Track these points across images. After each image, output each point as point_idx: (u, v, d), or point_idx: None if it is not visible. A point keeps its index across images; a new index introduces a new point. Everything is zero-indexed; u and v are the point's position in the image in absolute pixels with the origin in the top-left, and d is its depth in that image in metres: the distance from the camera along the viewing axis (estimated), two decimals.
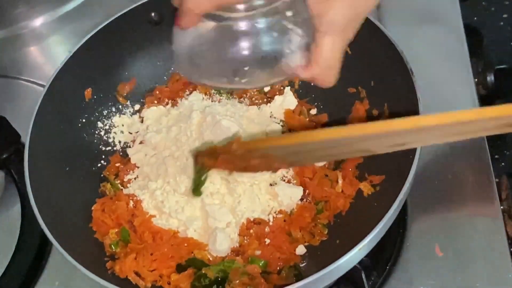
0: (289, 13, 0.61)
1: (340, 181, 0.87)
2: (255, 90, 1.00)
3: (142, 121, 0.99)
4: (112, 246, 0.83)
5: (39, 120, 0.85)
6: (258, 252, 0.82)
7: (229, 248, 0.83)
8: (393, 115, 0.85)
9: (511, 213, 0.95)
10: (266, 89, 1.00)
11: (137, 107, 1.01)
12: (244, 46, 0.60)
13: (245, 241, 0.84)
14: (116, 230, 0.85)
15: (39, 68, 1.22)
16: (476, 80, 1.05)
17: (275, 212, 0.86)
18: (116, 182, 0.92)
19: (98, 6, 1.26)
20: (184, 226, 0.85)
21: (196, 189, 0.84)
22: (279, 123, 0.95)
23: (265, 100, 1.00)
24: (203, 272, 0.78)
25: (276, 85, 0.98)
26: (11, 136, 1.02)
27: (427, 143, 0.64)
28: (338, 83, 0.94)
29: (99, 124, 0.97)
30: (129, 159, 0.94)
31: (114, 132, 0.98)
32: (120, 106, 1.00)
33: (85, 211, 0.87)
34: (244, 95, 1.00)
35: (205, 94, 1.00)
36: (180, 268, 0.81)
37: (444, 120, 0.56)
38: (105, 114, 0.98)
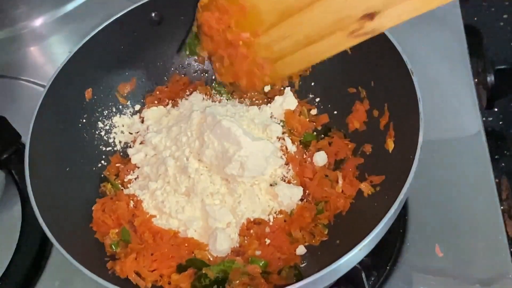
0: None
1: (340, 182, 0.87)
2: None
3: (142, 121, 0.99)
4: (113, 246, 0.83)
5: (40, 120, 0.85)
6: (258, 252, 0.82)
7: (229, 248, 0.83)
8: (394, 115, 0.86)
9: (511, 213, 0.95)
10: (266, 89, 1.00)
11: (137, 107, 1.01)
12: None
13: (245, 241, 0.84)
14: (117, 230, 0.85)
15: (39, 68, 1.22)
16: (476, 80, 1.05)
17: (275, 212, 0.86)
18: (116, 182, 0.92)
19: (98, 7, 1.26)
20: (184, 226, 0.85)
21: (183, 46, 0.83)
22: (279, 123, 0.95)
23: (265, 100, 1.00)
24: (204, 272, 0.78)
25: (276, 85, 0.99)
26: (11, 136, 1.02)
27: (398, 16, 0.64)
28: (339, 83, 0.95)
29: (100, 124, 0.97)
30: (130, 159, 0.94)
31: (115, 132, 0.98)
32: (120, 106, 1.00)
33: (85, 211, 0.87)
34: (245, 95, 1.00)
35: (205, 94, 1.00)
36: (180, 268, 0.81)
37: None
38: (105, 114, 0.98)
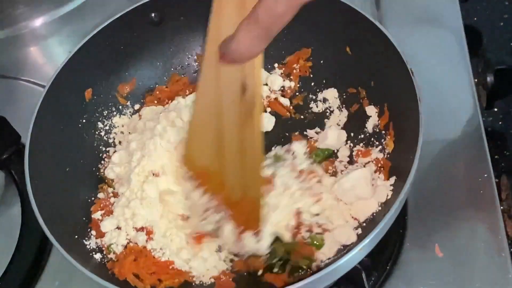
0: None
1: None
2: None
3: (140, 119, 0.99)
4: (111, 247, 0.82)
5: (39, 120, 0.85)
6: None
7: None
8: (394, 115, 0.86)
9: (511, 213, 0.95)
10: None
11: (137, 107, 1.01)
12: None
13: None
14: None
15: (39, 68, 1.22)
16: (476, 80, 1.05)
17: None
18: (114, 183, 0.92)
19: (98, 7, 1.26)
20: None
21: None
22: None
23: None
24: (273, 247, 0.78)
25: None
26: (11, 136, 1.02)
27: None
28: (338, 83, 0.95)
29: (99, 124, 0.97)
30: None
31: (115, 133, 0.98)
32: (120, 107, 1.00)
33: (85, 211, 0.87)
34: None
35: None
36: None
37: None
38: (105, 114, 0.98)
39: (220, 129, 0.74)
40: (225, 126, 0.73)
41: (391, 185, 0.79)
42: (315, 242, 0.78)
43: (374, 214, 0.79)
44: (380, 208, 0.79)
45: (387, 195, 0.78)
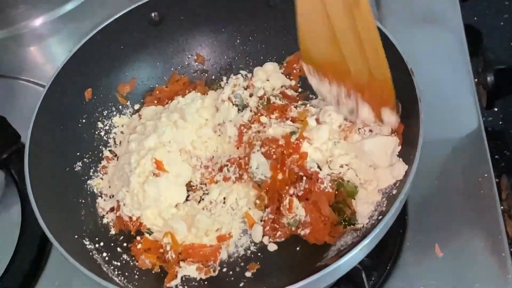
0: None
1: None
2: None
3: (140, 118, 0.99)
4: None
5: (39, 120, 0.85)
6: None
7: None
8: None
9: (511, 213, 0.95)
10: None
11: (137, 107, 1.01)
12: None
13: None
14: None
15: (39, 68, 1.22)
16: (476, 80, 1.05)
17: None
18: None
19: (98, 6, 1.26)
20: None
21: None
22: None
23: None
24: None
25: None
26: (11, 136, 1.02)
27: None
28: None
29: (99, 124, 0.97)
30: None
31: (114, 133, 0.98)
32: (120, 106, 1.00)
33: (85, 211, 0.87)
34: None
35: (203, 94, 1.00)
36: None
37: None
38: (105, 114, 0.98)
39: (329, 20, 0.77)
40: (333, 17, 0.76)
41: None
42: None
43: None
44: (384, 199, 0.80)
45: (401, 173, 0.79)
